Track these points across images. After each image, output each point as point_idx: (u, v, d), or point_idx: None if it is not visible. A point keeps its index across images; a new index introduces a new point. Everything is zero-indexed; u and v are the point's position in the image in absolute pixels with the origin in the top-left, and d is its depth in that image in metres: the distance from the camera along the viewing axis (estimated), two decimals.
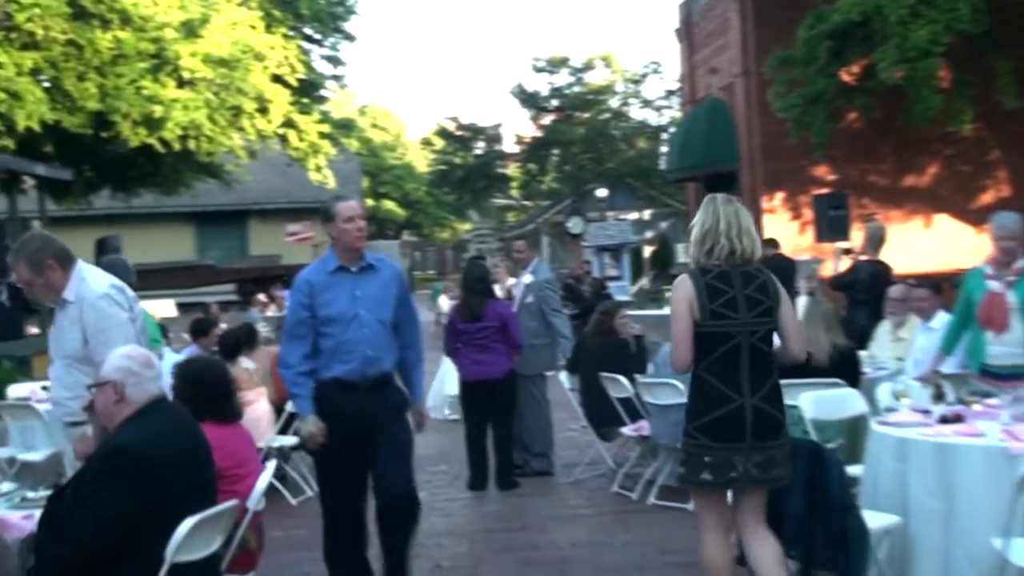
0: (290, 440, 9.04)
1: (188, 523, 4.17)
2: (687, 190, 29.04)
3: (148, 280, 39.03)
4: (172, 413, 4.61)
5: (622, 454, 9.99)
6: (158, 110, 21.77)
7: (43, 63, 21.56)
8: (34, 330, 18.58)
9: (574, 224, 32.57)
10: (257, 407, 8.83)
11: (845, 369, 7.71)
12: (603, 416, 9.37)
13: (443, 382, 14.04)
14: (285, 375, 6.29)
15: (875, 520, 5.44)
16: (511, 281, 11.19)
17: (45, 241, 5.78)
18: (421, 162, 69.84)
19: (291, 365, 6.19)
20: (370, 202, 64.37)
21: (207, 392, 5.63)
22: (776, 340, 5.25)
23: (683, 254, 38.52)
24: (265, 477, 5.32)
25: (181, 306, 28.67)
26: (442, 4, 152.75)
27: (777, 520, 5.23)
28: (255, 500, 5.19)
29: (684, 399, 7.90)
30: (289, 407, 8.84)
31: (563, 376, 10.31)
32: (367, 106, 72.15)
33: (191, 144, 23.32)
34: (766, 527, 5.17)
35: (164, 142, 22.59)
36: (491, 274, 9.90)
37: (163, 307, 28.38)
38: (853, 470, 6.20)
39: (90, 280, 5.82)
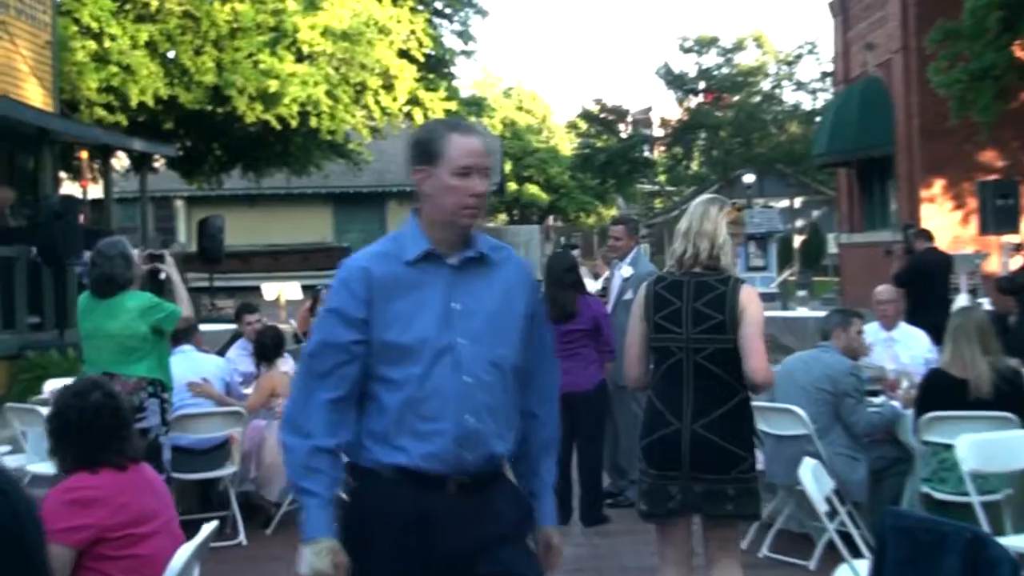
0: None
1: None
2: (838, 177, 27.07)
3: (282, 261, 39.03)
4: None
5: None
6: (274, 84, 20.89)
7: (159, 36, 20.85)
8: None
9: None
10: None
11: (1013, 399, 6.05)
12: None
13: None
14: (291, 450, 3.32)
15: None
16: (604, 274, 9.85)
17: None
18: (566, 146, 68.42)
19: (307, 432, 3.30)
20: (513, 186, 63.29)
21: (89, 433, 3.83)
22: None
23: (836, 245, 36.44)
24: (193, 544, 3.76)
25: (307, 288, 27.77)
26: None
27: None
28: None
29: (806, 429, 6.43)
30: None
31: None
32: (512, 88, 71.01)
33: (311, 122, 22.41)
34: (736, 564, 4.74)
35: (282, 119, 21.70)
36: (580, 265, 8.39)
37: (289, 289, 27.53)
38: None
39: None
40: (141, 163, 28.23)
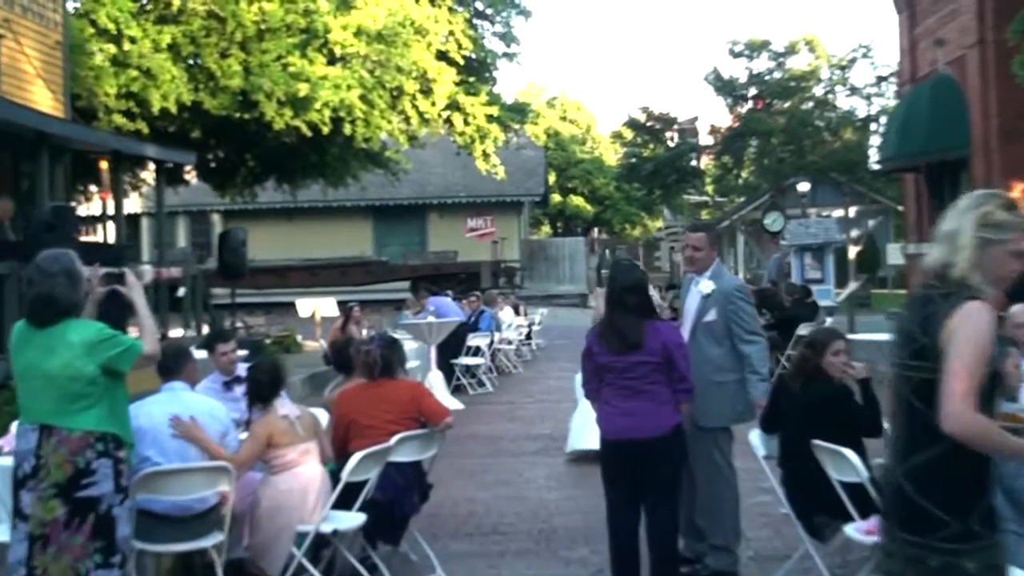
0: (352, 519, 6.26)
1: None
2: (903, 183, 25.47)
3: (320, 276, 37.91)
4: None
5: (847, 565, 6.78)
6: (303, 88, 19.63)
7: (182, 38, 19.64)
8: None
9: (773, 220, 29.28)
10: (303, 471, 6.15)
11: None
12: (815, 502, 6.20)
13: (580, 431, 10.92)
14: None
15: None
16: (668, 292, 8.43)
17: None
18: (611, 157, 67.00)
19: None
20: (557, 198, 61.92)
21: None
22: None
23: (894, 255, 34.83)
24: None
25: (343, 304, 26.48)
26: None
27: None
28: None
29: None
30: (346, 471, 6.07)
31: (754, 436, 6.98)
32: (556, 98, 69.66)
33: (345, 129, 21.12)
34: None
35: (313, 126, 20.42)
36: (649, 282, 6.81)
37: (325, 305, 26.28)
38: None
39: None
40: (171, 175, 27.27)
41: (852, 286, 22.69)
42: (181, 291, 15.88)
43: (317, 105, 19.94)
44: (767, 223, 29.32)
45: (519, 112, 26.65)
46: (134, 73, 18.75)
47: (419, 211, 45.75)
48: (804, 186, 37.57)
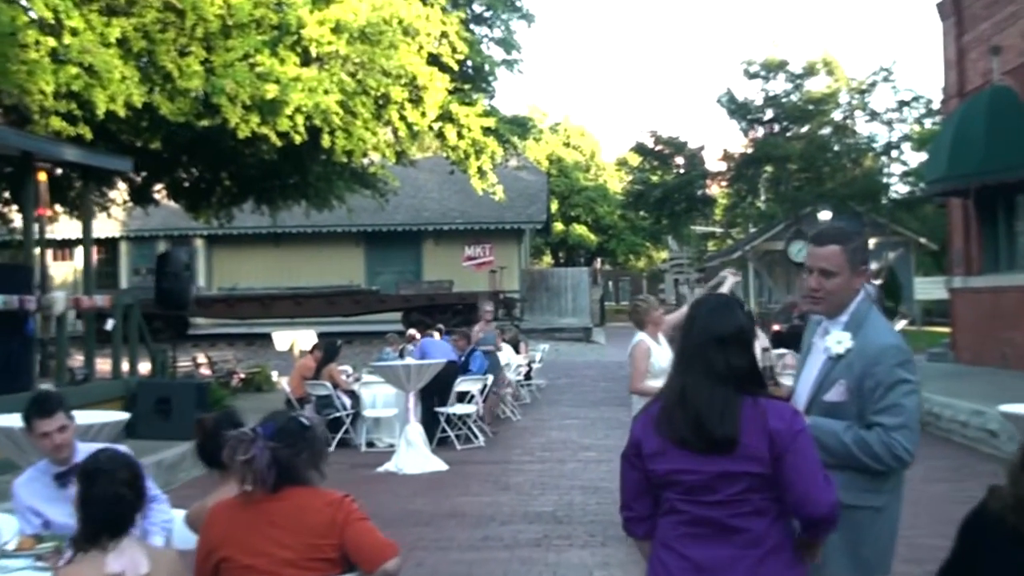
0: None
1: None
2: (948, 209, 22.87)
3: (305, 306, 35.36)
4: None
5: None
6: (272, 90, 17.04)
7: (133, 32, 17.06)
8: None
9: (798, 250, 26.72)
10: None
11: None
12: None
13: None
14: None
15: None
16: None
17: None
18: (616, 184, 64.63)
19: None
20: (559, 226, 59.48)
21: None
22: None
23: (924, 290, 32.33)
24: None
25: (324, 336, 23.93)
26: (645, 10, 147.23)
27: None
28: None
29: None
30: None
31: None
32: (559, 123, 67.31)
33: (323, 140, 18.64)
34: None
35: (284, 135, 17.90)
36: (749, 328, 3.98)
37: (304, 338, 23.77)
38: None
39: None
40: (140, 194, 24.73)
41: (900, 324, 20.11)
42: (109, 323, 13.30)
43: (288, 110, 17.37)
44: (792, 253, 26.81)
45: (520, 126, 24.03)
46: (75, 70, 16.15)
47: (414, 238, 43.36)
48: (825, 215, 35.04)
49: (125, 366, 13.83)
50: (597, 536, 8.93)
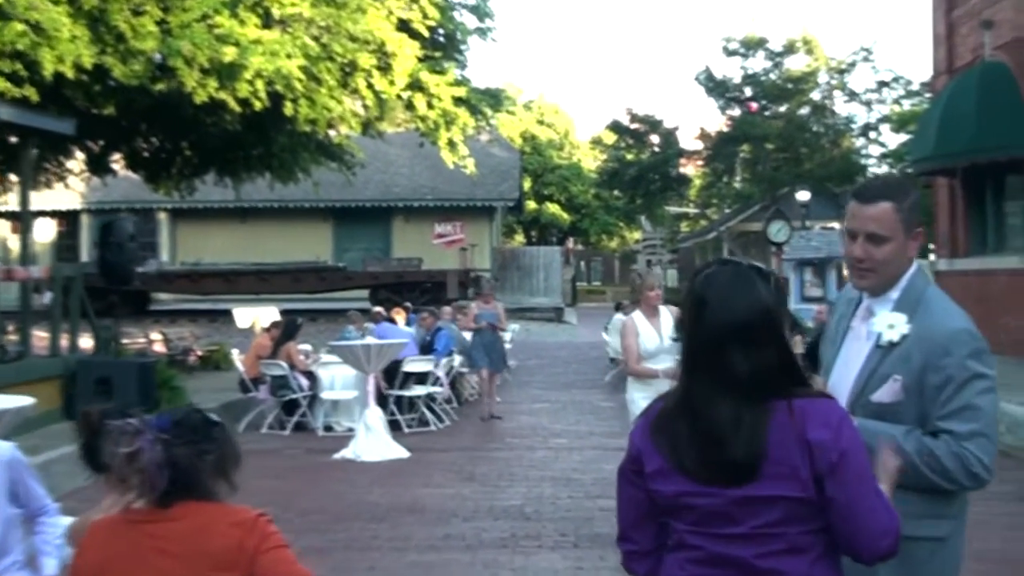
0: None
1: None
2: (934, 190, 22.14)
3: (270, 282, 34.46)
4: None
5: None
6: (231, 53, 16.14)
7: None
8: None
9: (777, 230, 25.93)
10: None
11: None
12: None
13: None
14: None
15: None
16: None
17: None
18: (590, 163, 63.82)
19: None
20: (532, 205, 58.64)
21: None
22: None
23: (930, 272, 31.68)
24: None
25: (288, 314, 23.07)
26: None
27: None
28: None
29: None
30: None
31: None
32: (533, 101, 66.38)
33: (286, 108, 17.78)
34: None
35: (244, 102, 17.03)
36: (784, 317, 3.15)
37: (267, 315, 22.88)
38: None
39: None
40: (97, 163, 23.75)
41: None
42: (47, 297, 12.38)
43: (248, 74, 16.47)
44: (771, 233, 26.00)
45: (492, 97, 23.14)
46: (21, 27, 15.21)
47: (383, 214, 42.43)
48: (804, 195, 34.30)
49: (66, 342, 12.93)
50: (568, 536, 8.10)
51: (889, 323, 3.18)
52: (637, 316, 8.25)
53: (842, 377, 3.30)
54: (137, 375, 12.12)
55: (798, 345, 14.31)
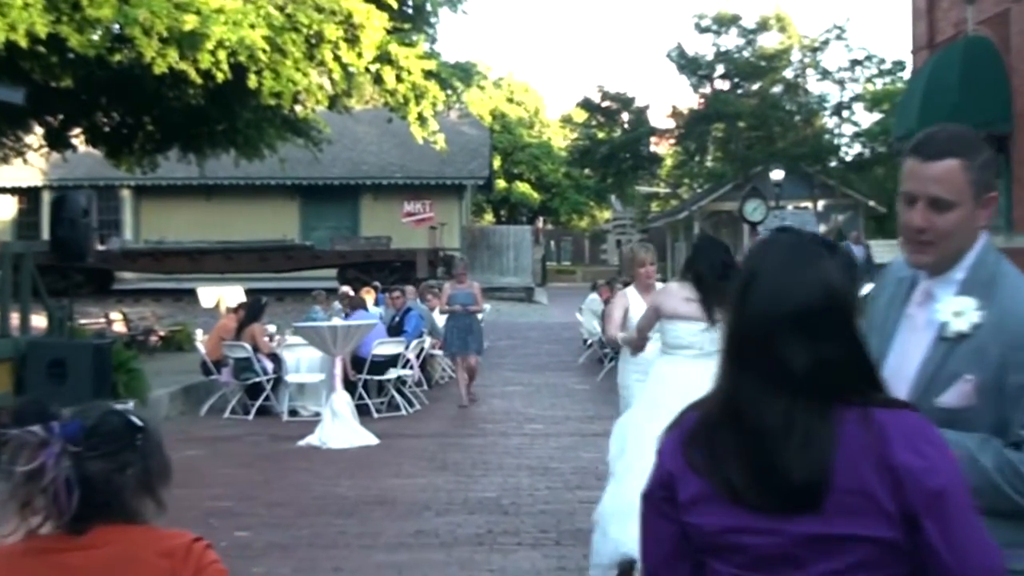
0: None
1: None
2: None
3: (236, 261, 33.76)
4: None
5: None
6: (191, 21, 15.51)
7: None
8: None
9: (753, 209, 25.47)
10: None
11: None
12: None
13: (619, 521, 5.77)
14: None
15: None
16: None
17: None
18: (560, 142, 63.24)
19: None
20: (502, 184, 58.03)
21: None
22: None
23: (883, 254, 31.22)
24: None
25: (254, 293, 22.47)
26: None
27: None
28: None
29: None
30: None
31: None
32: (503, 78, 65.70)
33: (250, 81, 17.21)
34: None
35: (207, 74, 16.46)
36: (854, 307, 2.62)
37: (232, 294, 22.26)
38: None
39: None
40: (56, 138, 23.06)
41: (867, 289, 18.87)
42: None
43: (209, 44, 15.88)
44: (747, 212, 25.55)
45: (463, 71, 22.56)
46: None
47: (351, 192, 41.70)
48: (778, 174, 33.91)
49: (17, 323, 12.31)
50: (550, 532, 7.57)
51: (956, 310, 2.55)
52: (630, 291, 7.68)
53: (897, 376, 2.63)
54: (92, 357, 11.49)
55: None
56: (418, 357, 15.03)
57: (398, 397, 13.80)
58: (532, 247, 43.79)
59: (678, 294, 6.39)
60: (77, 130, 22.94)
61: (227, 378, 13.85)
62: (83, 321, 18.13)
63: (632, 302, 7.49)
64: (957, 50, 18.33)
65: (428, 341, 15.60)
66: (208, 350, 14.31)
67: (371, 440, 11.32)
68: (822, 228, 41.33)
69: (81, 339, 12.20)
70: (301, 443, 11.33)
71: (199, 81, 16.42)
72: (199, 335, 20.24)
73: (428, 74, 19.25)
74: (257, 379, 13.43)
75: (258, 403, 13.36)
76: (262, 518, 7.89)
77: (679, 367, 6.20)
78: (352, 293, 18.21)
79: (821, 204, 42.46)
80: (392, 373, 13.69)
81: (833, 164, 41.61)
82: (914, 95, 19.02)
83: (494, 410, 14.05)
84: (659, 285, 7.63)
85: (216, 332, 14.71)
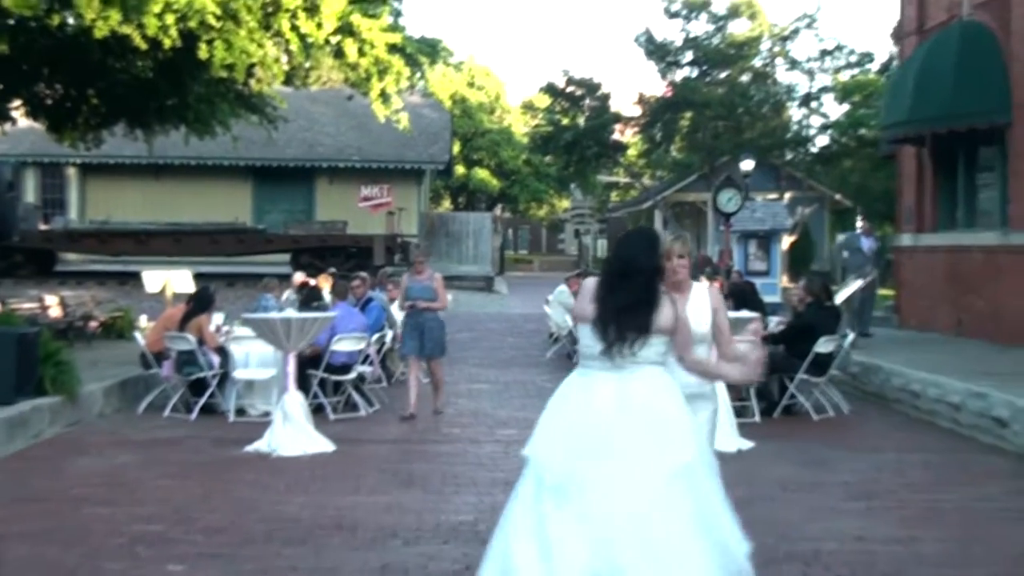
0: None
1: None
2: (899, 159, 20.80)
3: (185, 243, 32.41)
4: None
5: None
6: None
7: None
8: None
9: (728, 199, 24.35)
10: None
11: None
12: None
13: None
14: None
15: None
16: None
17: None
18: (521, 129, 62.09)
19: None
20: (461, 170, 56.83)
21: None
22: None
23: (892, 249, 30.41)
24: None
25: (203, 278, 21.18)
26: None
27: None
28: None
29: None
30: None
31: None
32: (463, 62, 64.43)
33: (201, 51, 16.06)
34: None
35: (154, 41, 15.27)
36: None
37: (179, 279, 20.94)
38: None
39: None
40: None
41: (856, 284, 17.85)
42: None
43: (156, 7, 14.65)
44: (721, 203, 24.43)
45: (429, 47, 21.40)
46: None
47: (306, 175, 40.45)
48: (748, 164, 32.79)
49: None
50: None
51: None
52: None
53: None
54: (16, 348, 10.29)
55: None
56: (379, 352, 13.88)
57: (356, 396, 12.66)
58: (491, 235, 42.69)
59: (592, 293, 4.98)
60: (17, 102, 21.60)
61: (168, 372, 12.64)
62: (16, 305, 16.82)
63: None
64: (952, 36, 17.43)
65: (390, 334, 14.44)
66: (149, 341, 13.06)
67: (327, 447, 10.15)
68: (788, 222, 40.57)
69: (5, 327, 10.92)
70: (248, 449, 10.12)
71: (145, 47, 15.18)
72: (143, 321, 19.00)
73: (392, 48, 18.10)
74: (201, 374, 12.24)
75: (202, 401, 12.14)
76: (199, 547, 6.72)
77: (587, 384, 5.02)
78: (310, 281, 16.95)
79: (787, 196, 41.68)
80: (353, 373, 12.54)
81: (800, 156, 40.76)
82: (905, 83, 18.10)
83: (461, 412, 12.91)
84: (712, 286, 6.26)
85: (161, 323, 13.49)
